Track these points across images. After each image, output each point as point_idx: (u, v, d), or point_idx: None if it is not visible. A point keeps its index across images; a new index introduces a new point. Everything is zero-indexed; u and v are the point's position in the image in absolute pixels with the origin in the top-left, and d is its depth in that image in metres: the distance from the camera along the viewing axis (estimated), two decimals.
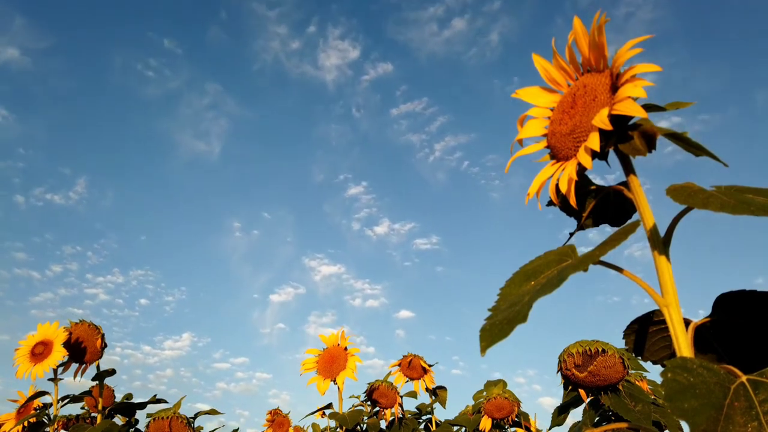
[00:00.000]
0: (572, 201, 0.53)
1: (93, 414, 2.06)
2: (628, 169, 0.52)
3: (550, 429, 1.42)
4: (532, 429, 1.88)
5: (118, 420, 1.90)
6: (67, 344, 1.58)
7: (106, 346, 1.67)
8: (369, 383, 2.01)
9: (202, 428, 2.29)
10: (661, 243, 0.50)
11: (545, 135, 0.59)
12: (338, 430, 1.73)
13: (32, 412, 1.74)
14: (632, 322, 0.63)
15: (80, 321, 1.65)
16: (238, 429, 2.55)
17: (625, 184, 0.53)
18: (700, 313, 0.56)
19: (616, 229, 0.50)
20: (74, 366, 1.64)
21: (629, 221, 0.57)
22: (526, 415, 1.92)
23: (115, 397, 2.02)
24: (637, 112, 0.47)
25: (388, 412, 1.98)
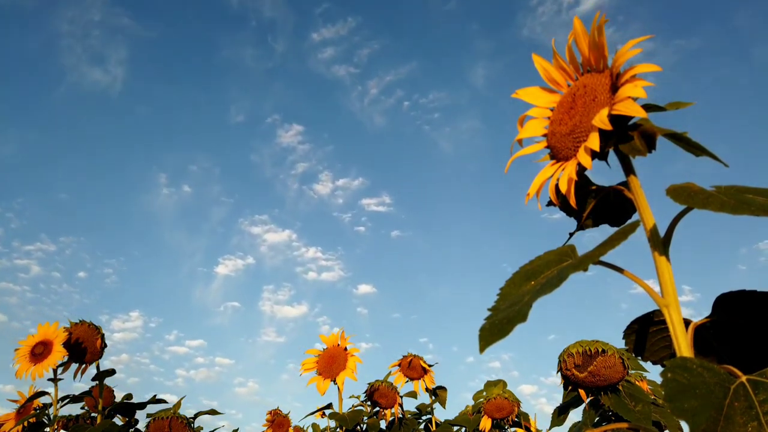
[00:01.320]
0: (572, 201, 0.53)
1: (93, 414, 2.06)
2: (628, 169, 0.52)
3: (550, 429, 1.42)
4: (532, 429, 1.88)
5: (118, 420, 1.90)
6: (66, 344, 1.58)
7: (106, 346, 1.67)
8: (369, 383, 2.01)
9: (201, 428, 2.29)
10: (661, 243, 0.50)
11: (545, 135, 0.59)
12: (338, 430, 1.73)
13: (32, 412, 1.74)
14: (632, 322, 0.63)
15: (80, 321, 1.65)
16: (238, 429, 2.55)
17: (625, 184, 0.53)
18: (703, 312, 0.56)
19: (616, 229, 0.50)
20: (74, 366, 1.64)
21: (629, 221, 0.57)
22: (526, 415, 1.92)
23: (114, 397, 2.02)
24: (637, 112, 0.47)
25: (388, 412, 1.98)
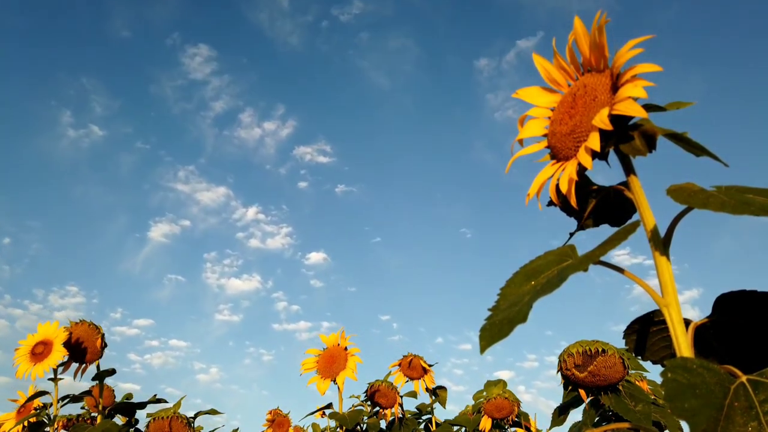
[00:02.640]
0: (572, 201, 0.53)
1: (93, 414, 2.06)
2: (629, 169, 0.52)
3: (550, 429, 1.42)
4: (532, 429, 1.88)
5: (119, 420, 1.90)
6: (67, 344, 1.58)
7: (106, 345, 1.67)
8: (369, 383, 2.01)
9: (202, 428, 2.29)
10: (661, 243, 0.50)
11: (545, 135, 0.59)
12: (338, 430, 1.73)
13: (32, 411, 1.74)
14: (632, 322, 0.63)
15: (80, 321, 1.66)
16: (238, 429, 2.55)
17: (626, 184, 0.53)
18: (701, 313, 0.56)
19: (616, 229, 0.50)
20: (74, 366, 1.64)
21: (629, 221, 0.57)
22: (526, 415, 1.92)
23: (115, 397, 2.02)
24: (638, 112, 0.47)
25: (388, 412, 1.98)
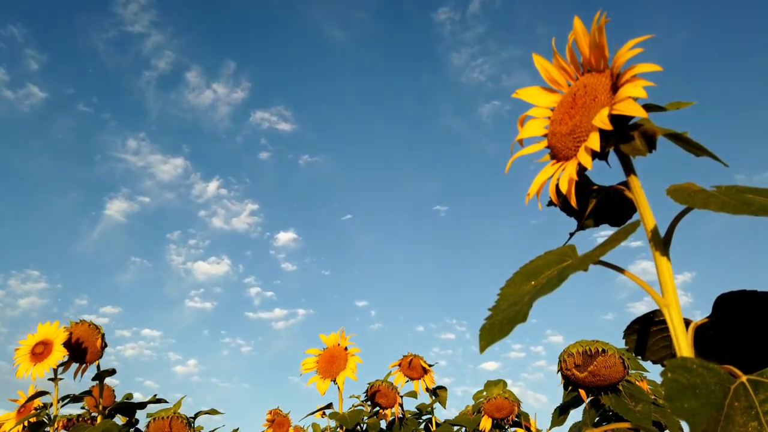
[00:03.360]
0: (572, 201, 0.53)
1: (93, 414, 2.06)
2: (629, 169, 0.52)
3: (550, 429, 1.42)
4: (532, 429, 1.88)
5: (119, 420, 1.90)
6: (67, 344, 1.58)
7: (106, 345, 1.67)
8: (369, 383, 2.01)
9: (202, 428, 2.29)
10: (661, 243, 0.50)
11: (545, 135, 0.59)
12: (338, 430, 1.73)
13: (32, 411, 1.74)
14: (633, 322, 0.63)
15: (80, 321, 1.66)
16: (238, 429, 2.55)
17: (626, 184, 0.53)
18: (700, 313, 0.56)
19: (616, 228, 0.50)
20: (74, 366, 1.64)
21: (629, 221, 0.57)
22: (526, 415, 1.92)
23: (115, 397, 2.02)
24: (638, 112, 0.47)
25: (388, 412, 1.98)
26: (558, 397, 4.76)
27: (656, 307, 0.51)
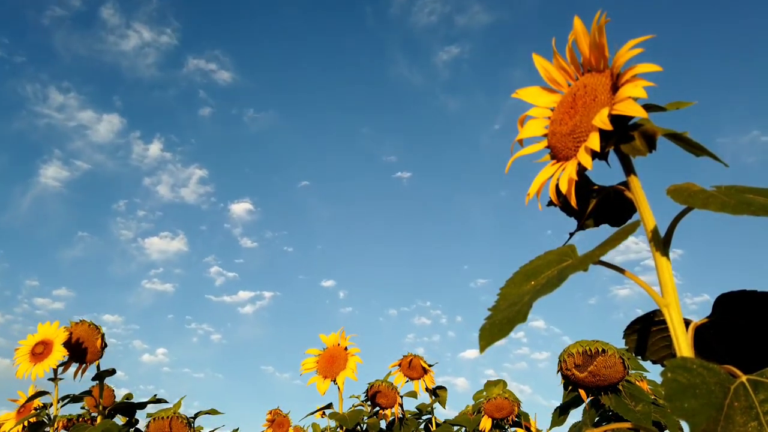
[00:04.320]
0: (572, 201, 0.53)
1: (93, 414, 2.06)
2: (629, 169, 0.52)
3: (550, 429, 1.42)
4: (533, 429, 1.88)
5: (119, 420, 1.90)
6: (67, 344, 1.58)
7: (106, 345, 1.67)
8: (369, 383, 2.01)
9: (202, 428, 2.29)
10: (661, 243, 0.50)
11: (545, 135, 0.59)
12: (338, 430, 1.73)
13: (32, 411, 1.74)
14: (633, 322, 0.63)
15: (80, 321, 1.66)
16: (238, 429, 2.55)
17: (626, 184, 0.53)
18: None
19: (616, 229, 0.50)
20: (74, 366, 1.64)
21: (629, 221, 0.57)
22: (526, 415, 1.92)
23: (115, 397, 2.02)
24: (638, 112, 0.47)
25: (388, 411, 1.98)
26: (544, 386, 4.61)
27: (654, 307, 0.51)
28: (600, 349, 1.19)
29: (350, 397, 2.12)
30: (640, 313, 0.61)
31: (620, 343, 0.65)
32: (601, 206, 0.59)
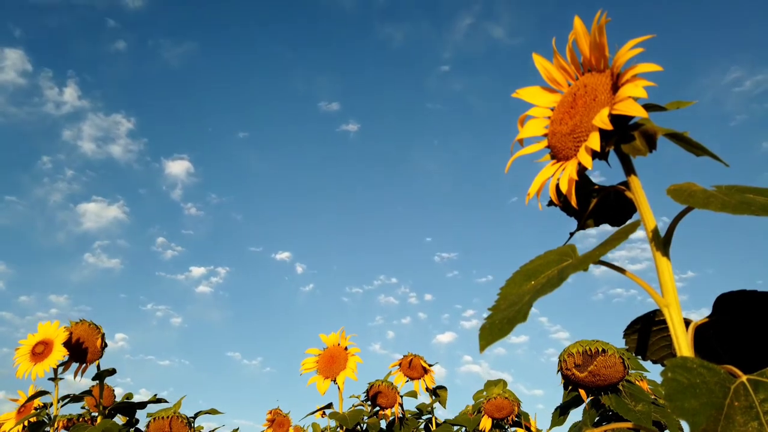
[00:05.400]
0: (573, 201, 0.53)
1: (93, 414, 2.06)
2: (629, 169, 0.52)
3: (550, 429, 1.42)
4: (533, 429, 1.88)
5: (119, 420, 1.90)
6: (67, 344, 1.58)
7: (106, 345, 1.67)
8: (369, 383, 2.01)
9: (202, 428, 2.29)
10: (661, 243, 0.50)
11: (546, 135, 0.59)
12: (338, 429, 1.73)
13: (32, 411, 1.74)
14: (633, 322, 0.63)
15: (80, 320, 1.66)
16: (238, 429, 2.56)
17: (626, 184, 0.53)
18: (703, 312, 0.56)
19: (616, 228, 0.50)
20: (74, 365, 1.64)
21: (630, 221, 0.57)
22: (526, 415, 1.92)
23: (115, 397, 2.03)
24: (638, 112, 0.47)
25: (388, 411, 1.98)
26: (525, 374, 4.49)
27: (651, 304, 0.51)
28: (600, 349, 1.19)
29: (350, 397, 2.12)
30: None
31: (618, 341, 0.65)
32: (602, 206, 0.59)
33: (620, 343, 0.67)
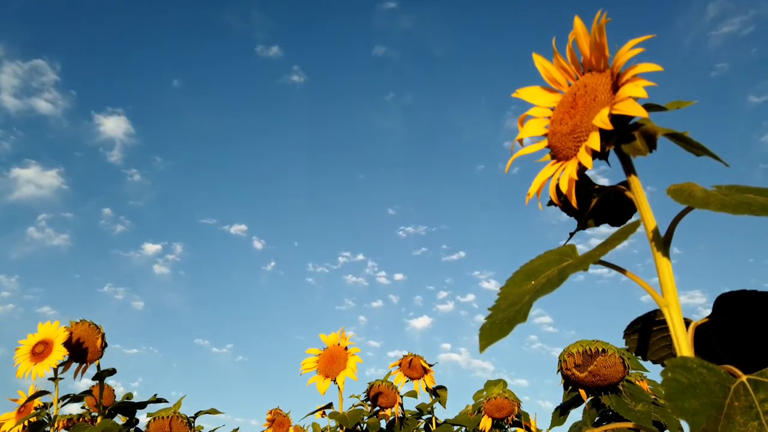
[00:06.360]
0: (573, 201, 0.53)
1: (93, 413, 2.06)
2: (629, 169, 0.52)
3: (550, 429, 1.42)
4: (533, 429, 1.88)
5: (119, 419, 1.90)
6: (67, 344, 1.58)
7: (106, 345, 1.67)
8: (369, 383, 2.01)
9: (202, 428, 2.29)
10: (661, 243, 0.50)
11: (546, 135, 0.59)
12: (338, 429, 1.73)
13: (32, 411, 1.74)
14: (633, 322, 0.63)
15: (81, 320, 1.66)
16: (238, 429, 2.56)
17: (626, 184, 0.53)
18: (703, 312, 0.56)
19: (617, 228, 0.50)
20: (74, 365, 1.64)
21: (630, 221, 0.57)
22: (526, 415, 1.92)
23: (115, 397, 2.03)
24: (638, 112, 0.47)
25: (388, 411, 1.98)
26: (508, 362, 4.28)
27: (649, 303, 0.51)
28: (600, 349, 1.19)
29: (350, 396, 2.12)
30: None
31: (619, 341, 0.65)
32: (602, 206, 0.59)
33: (619, 342, 0.67)
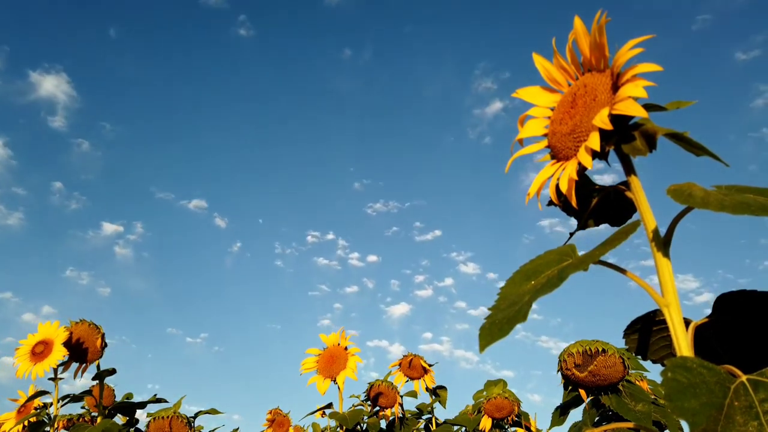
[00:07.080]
0: (573, 201, 0.53)
1: (93, 413, 2.06)
2: (629, 169, 0.52)
3: (550, 429, 1.42)
4: (533, 429, 1.88)
5: (119, 419, 1.90)
6: (67, 344, 1.58)
7: (106, 345, 1.67)
8: (369, 383, 2.01)
9: (202, 428, 2.29)
10: (661, 243, 0.50)
11: (545, 135, 0.59)
12: (338, 429, 1.73)
13: (32, 411, 1.74)
14: (633, 322, 0.63)
15: (80, 320, 1.66)
16: (238, 429, 2.56)
17: (626, 184, 0.53)
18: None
19: (616, 228, 0.50)
20: (74, 365, 1.64)
21: (630, 221, 0.57)
22: (526, 415, 1.92)
23: (115, 397, 2.03)
24: (638, 112, 0.47)
25: (388, 411, 1.98)
26: (493, 353, 4.13)
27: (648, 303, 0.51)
28: (600, 349, 1.19)
29: (350, 396, 2.12)
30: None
31: (619, 341, 0.65)
32: (602, 206, 0.59)
33: (619, 341, 0.67)
